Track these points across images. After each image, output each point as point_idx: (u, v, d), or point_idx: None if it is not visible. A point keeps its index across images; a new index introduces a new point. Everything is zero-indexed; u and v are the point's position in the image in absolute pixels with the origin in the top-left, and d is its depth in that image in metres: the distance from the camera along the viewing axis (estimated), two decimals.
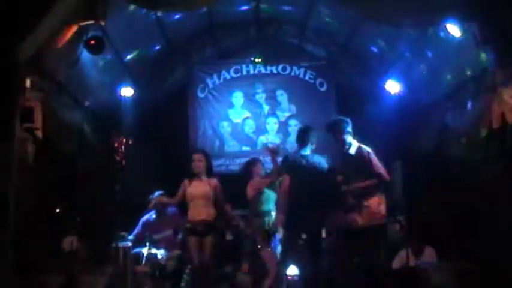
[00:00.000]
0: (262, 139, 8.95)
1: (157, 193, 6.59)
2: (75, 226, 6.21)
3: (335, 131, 5.68)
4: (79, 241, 6.27)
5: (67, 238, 6.49)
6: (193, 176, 6.07)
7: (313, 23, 8.57)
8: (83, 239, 6.53)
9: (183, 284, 6.55)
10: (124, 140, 7.11)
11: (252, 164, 6.69)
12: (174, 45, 8.60)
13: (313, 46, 9.20)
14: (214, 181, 6.11)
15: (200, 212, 5.95)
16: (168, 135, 8.63)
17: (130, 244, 6.36)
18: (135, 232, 6.77)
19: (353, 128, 8.53)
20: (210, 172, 6.16)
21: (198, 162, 6.07)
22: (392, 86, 7.65)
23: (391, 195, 8.31)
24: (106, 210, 7.35)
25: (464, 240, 6.34)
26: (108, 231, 7.03)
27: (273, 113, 9.07)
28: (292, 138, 8.82)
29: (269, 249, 6.10)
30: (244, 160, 8.55)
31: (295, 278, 6.38)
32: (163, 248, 6.65)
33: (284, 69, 9.10)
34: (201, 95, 9.06)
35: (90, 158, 7.18)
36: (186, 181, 6.10)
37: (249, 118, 9.06)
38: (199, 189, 6.00)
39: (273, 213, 6.26)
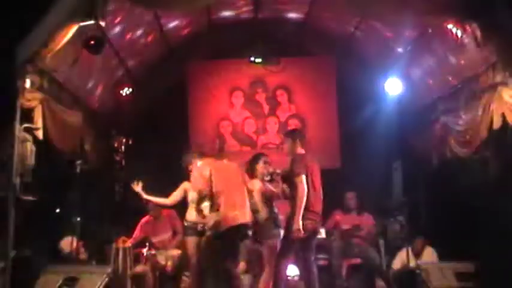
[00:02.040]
0: (263, 139, 8.97)
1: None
2: (75, 226, 6.20)
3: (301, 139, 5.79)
4: (79, 241, 6.26)
5: (66, 238, 6.48)
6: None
7: (313, 22, 8.57)
8: (83, 239, 6.52)
9: (182, 284, 6.56)
10: (124, 140, 7.10)
11: (254, 160, 6.09)
12: (174, 45, 8.59)
13: (313, 46, 9.20)
14: None
15: (199, 213, 5.96)
16: (168, 135, 8.63)
17: (130, 244, 6.36)
18: (134, 235, 6.77)
19: (353, 128, 8.66)
20: None
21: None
22: (393, 86, 7.65)
23: (391, 195, 8.37)
24: (106, 210, 7.36)
25: (464, 240, 6.34)
26: (108, 232, 7.04)
27: (273, 113, 9.07)
28: None
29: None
30: (244, 160, 8.57)
31: (296, 278, 6.39)
32: (163, 249, 6.65)
33: (284, 69, 9.09)
34: (201, 95, 9.06)
35: (90, 158, 7.18)
36: (186, 184, 6.12)
37: (249, 118, 9.06)
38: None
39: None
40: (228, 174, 5.57)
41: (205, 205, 5.62)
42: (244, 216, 5.39)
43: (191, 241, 5.99)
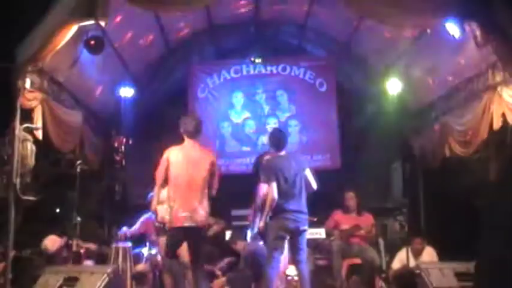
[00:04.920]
0: (263, 139, 8.95)
1: (150, 195, 6.56)
2: (74, 226, 6.19)
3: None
4: (78, 241, 6.25)
5: (50, 236, 6.43)
6: None
7: (313, 23, 8.57)
8: (83, 239, 6.52)
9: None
10: (124, 140, 7.10)
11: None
12: (174, 45, 8.60)
13: (313, 46, 9.20)
14: None
15: None
16: (168, 135, 8.61)
17: (130, 244, 6.35)
18: (132, 228, 6.68)
19: (353, 128, 8.67)
20: None
21: None
22: (393, 86, 7.65)
23: (391, 195, 8.38)
24: (106, 210, 7.36)
25: (464, 240, 6.34)
26: (108, 231, 7.04)
27: (273, 113, 9.06)
28: (293, 138, 8.84)
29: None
30: (244, 160, 8.59)
31: (295, 278, 6.38)
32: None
33: (284, 69, 9.10)
34: (201, 95, 9.06)
35: (90, 158, 7.18)
36: None
37: (249, 118, 9.05)
38: None
39: None
40: None
41: None
42: None
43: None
